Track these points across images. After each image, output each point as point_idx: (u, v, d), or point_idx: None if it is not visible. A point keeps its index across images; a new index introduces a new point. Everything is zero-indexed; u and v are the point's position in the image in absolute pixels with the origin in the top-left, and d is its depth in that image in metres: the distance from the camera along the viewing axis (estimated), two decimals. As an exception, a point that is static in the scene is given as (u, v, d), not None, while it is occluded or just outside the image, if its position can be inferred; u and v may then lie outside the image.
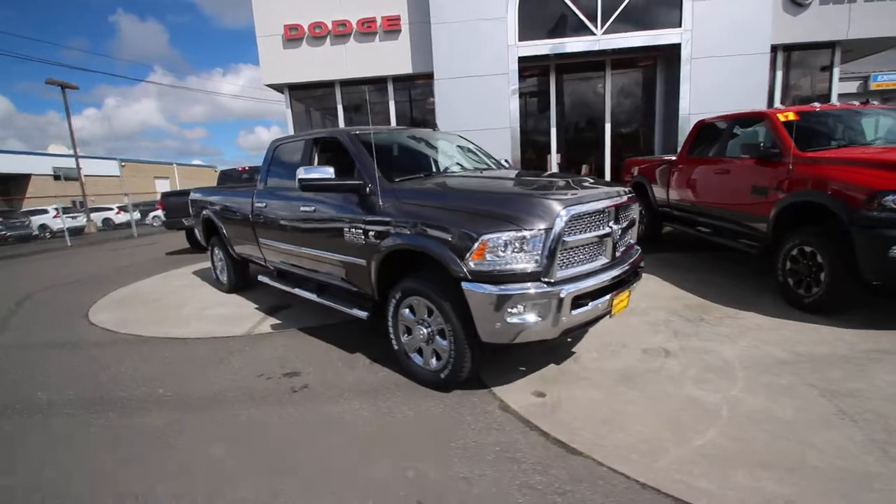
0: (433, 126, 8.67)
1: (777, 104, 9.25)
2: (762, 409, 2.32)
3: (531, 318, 2.33)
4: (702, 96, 8.54)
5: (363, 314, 3.15)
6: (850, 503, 1.68)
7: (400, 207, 2.79)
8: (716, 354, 2.99)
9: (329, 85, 9.90)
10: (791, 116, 4.29)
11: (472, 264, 2.35)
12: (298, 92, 10.20)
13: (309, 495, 1.92)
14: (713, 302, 4.05)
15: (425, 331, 2.72)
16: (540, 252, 2.32)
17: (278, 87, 10.04)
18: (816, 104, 5.05)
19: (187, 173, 45.86)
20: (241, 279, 5.49)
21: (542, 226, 2.32)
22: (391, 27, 9.19)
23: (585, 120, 9.99)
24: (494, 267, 2.32)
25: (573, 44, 8.70)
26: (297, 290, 3.92)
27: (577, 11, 8.53)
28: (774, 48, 8.62)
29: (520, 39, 8.67)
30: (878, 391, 2.40)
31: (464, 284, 2.38)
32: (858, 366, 2.69)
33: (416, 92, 10.17)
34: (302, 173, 3.06)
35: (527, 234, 2.30)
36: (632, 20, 8.52)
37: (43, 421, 2.70)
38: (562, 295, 2.33)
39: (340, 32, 9.27)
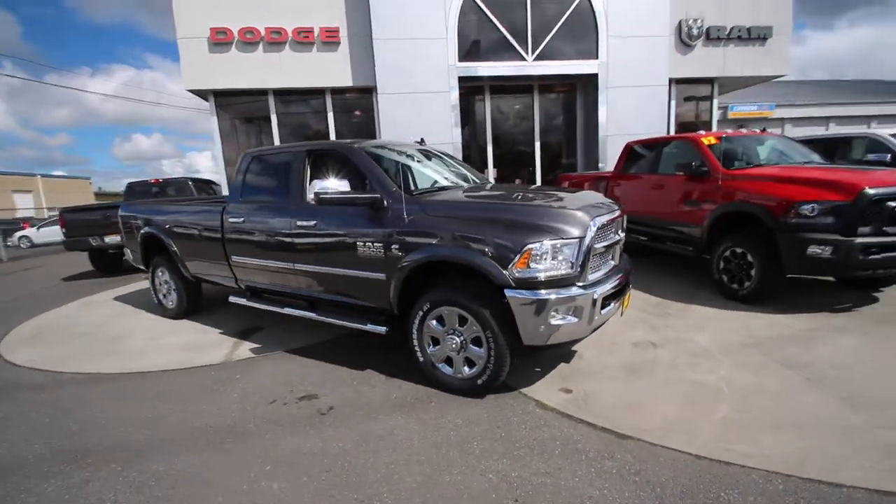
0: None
1: (672, 129, 10.80)
2: (752, 383, 2.78)
3: (571, 318, 2.54)
4: (615, 119, 9.69)
5: (381, 329, 3.11)
6: (851, 444, 2.13)
7: (427, 220, 2.84)
8: (693, 343, 3.48)
9: (262, 93, 9.38)
10: (713, 140, 5.13)
11: (516, 272, 2.50)
12: (225, 99, 9.50)
13: (400, 512, 1.89)
14: (668, 299, 4.65)
15: (458, 339, 2.78)
16: (575, 258, 2.55)
17: (202, 94, 9.26)
18: (727, 130, 6.05)
19: (54, 186, 39.35)
20: (194, 303, 4.99)
21: (577, 234, 2.55)
22: (329, 39, 9.03)
23: (518, 137, 10.70)
24: (536, 274, 2.50)
25: (507, 67, 9.34)
26: (286, 310, 3.71)
27: (511, 39, 9.19)
28: (670, 81, 10.10)
29: (459, 60, 9.08)
30: (826, 361, 3.00)
31: (507, 292, 2.52)
32: (803, 342, 3.33)
33: (356, 104, 10.04)
34: (318, 187, 2.98)
35: (565, 242, 2.52)
36: (558, 50, 9.41)
37: (23, 483, 2.23)
38: (595, 296, 2.58)
39: (274, 40, 8.87)
